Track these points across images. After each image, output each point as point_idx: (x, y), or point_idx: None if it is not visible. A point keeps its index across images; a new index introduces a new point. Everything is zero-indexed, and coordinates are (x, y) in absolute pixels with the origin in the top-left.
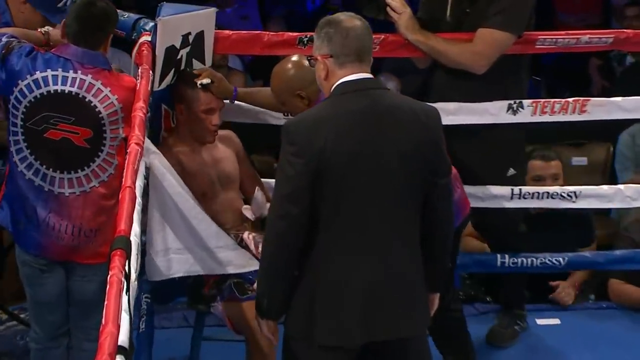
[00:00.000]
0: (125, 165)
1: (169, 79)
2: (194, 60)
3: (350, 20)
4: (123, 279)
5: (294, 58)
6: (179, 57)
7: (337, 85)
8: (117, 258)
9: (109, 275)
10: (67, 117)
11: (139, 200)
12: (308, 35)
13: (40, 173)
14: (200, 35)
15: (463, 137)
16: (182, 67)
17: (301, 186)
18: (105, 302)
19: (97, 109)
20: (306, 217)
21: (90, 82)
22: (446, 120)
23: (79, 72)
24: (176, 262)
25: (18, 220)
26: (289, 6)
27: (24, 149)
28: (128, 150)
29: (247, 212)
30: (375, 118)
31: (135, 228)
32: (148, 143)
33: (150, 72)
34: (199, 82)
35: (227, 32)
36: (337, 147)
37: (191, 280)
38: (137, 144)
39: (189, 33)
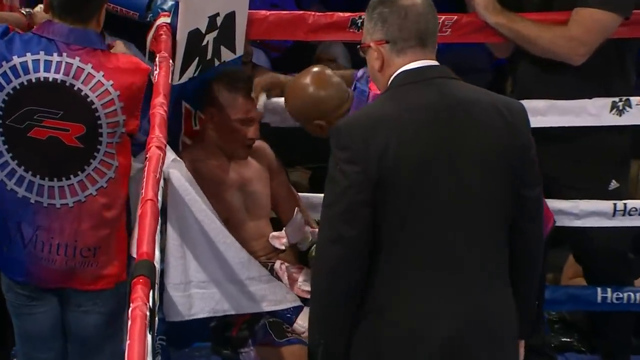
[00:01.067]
0: (145, 173)
1: (191, 70)
2: (222, 47)
3: None
4: (147, 313)
5: (316, 73)
6: (204, 43)
7: (396, 75)
8: (140, 287)
9: (130, 309)
10: (54, 112)
11: None
12: (363, 16)
13: (25, 181)
14: (230, 17)
15: (553, 141)
16: (208, 56)
17: (358, 201)
18: (128, 342)
19: (88, 99)
20: (366, 241)
21: (78, 67)
22: (534, 121)
23: (65, 54)
24: (199, 299)
25: (0, 241)
26: None
27: (3, 152)
28: (147, 155)
29: (275, 241)
30: (448, 114)
31: (156, 253)
32: (166, 148)
33: (170, 61)
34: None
35: (263, 12)
36: (402, 152)
37: (216, 319)
38: (158, 147)
39: (217, 14)
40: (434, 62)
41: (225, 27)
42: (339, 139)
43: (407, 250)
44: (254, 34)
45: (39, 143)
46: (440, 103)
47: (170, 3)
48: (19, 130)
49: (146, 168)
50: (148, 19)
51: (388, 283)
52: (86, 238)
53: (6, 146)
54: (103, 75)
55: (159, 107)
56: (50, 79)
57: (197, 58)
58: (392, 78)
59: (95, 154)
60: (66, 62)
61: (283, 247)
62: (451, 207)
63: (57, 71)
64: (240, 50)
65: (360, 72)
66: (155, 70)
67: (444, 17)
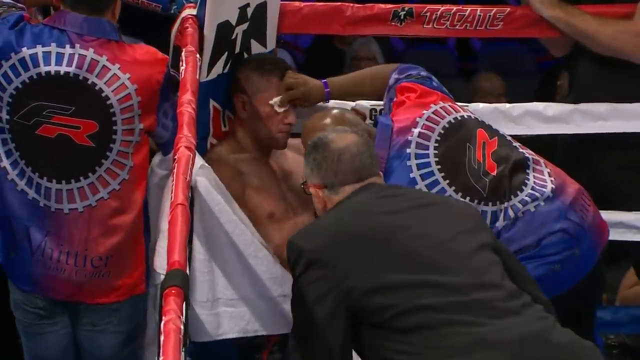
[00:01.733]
0: (174, 176)
1: (220, 65)
2: (252, 41)
3: (340, 138)
4: (182, 327)
5: (335, 118)
6: (233, 36)
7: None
8: (173, 299)
9: (162, 322)
10: (65, 107)
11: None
12: (406, 8)
13: (34, 183)
14: (261, 8)
15: (614, 148)
16: (237, 50)
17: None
18: (161, 358)
19: (103, 94)
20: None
21: (92, 59)
22: (594, 126)
23: (77, 45)
24: (227, 318)
25: (8, 246)
26: None
27: (12, 150)
28: (176, 157)
29: None
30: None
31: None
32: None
33: (197, 56)
34: (271, 102)
35: (296, 3)
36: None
37: (246, 341)
38: (187, 147)
39: (247, 5)
40: (370, 181)
41: (256, 19)
42: (300, 258)
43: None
44: (287, 27)
45: (47, 142)
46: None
47: None
48: (27, 127)
49: (175, 170)
50: (172, 11)
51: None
52: (97, 246)
53: (14, 144)
54: (119, 68)
55: (187, 105)
56: (62, 72)
57: (227, 52)
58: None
59: (108, 153)
60: (79, 54)
61: None
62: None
63: (69, 64)
64: (271, 44)
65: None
66: (182, 65)
67: (495, 9)
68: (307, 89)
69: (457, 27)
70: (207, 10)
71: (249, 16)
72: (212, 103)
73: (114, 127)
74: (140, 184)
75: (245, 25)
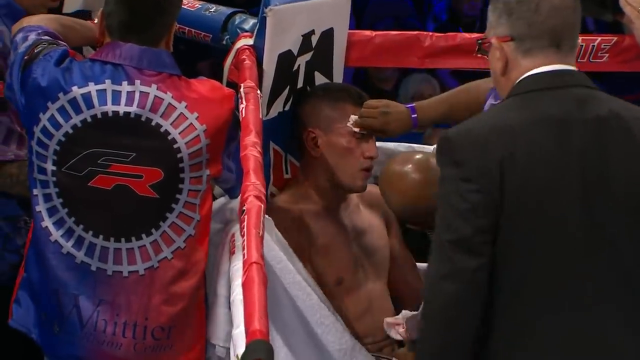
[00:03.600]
0: (245, 230)
1: (280, 103)
2: (316, 74)
3: None
4: None
5: (418, 165)
6: (295, 68)
7: (522, 80)
8: None
9: None
10: (125, 154)
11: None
12: None
13: (85, 243)
14: (328, 36)
15: None
16: (300, 84)
17: (478, 226)
18: None
19: (170, 137)
20: (486, 278)
21: (156, 96)
22: None
23: (137, 82)
24: None
25: (49, 321)
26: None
27: (58, 207)
28: (245, 208)
29: (391, 329)
30: (587, 131)
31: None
32: None
33: (258, 91)
34: (349, 123)
35: (367, 32)
36: (528, 171)
37: None
38: (256, 197)
39: (312, 32)
40: (572, 67)
41: (321, 48)
42: (451, 151)
43: (529, 292)
44: (356, 59)
45: (103, 194)
46: (577, 116)
47: (251, 22)
48: (78, 179)
49: (245, 224)
50: (224, 42)
51: (509, 333)
52: (159, 315)
53: (61, 200)
54: (186, 107)
55: (252, 148)
56: (121, 113)
57: (288, 87)
58: (516, 83)
59: (174, 205)
60: (140, 92)
61: (399, 337)
62: (592, 244)
63: (129, 103)
64: (338, 76)
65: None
66: (242, 103)
67: (599, 39)
68: (388, 115)
69: None
70: (267, 39)
71: (313, 45)
72: (272, 146)
73: (181, 175)
74: (204, 241)
75: (308, 56)
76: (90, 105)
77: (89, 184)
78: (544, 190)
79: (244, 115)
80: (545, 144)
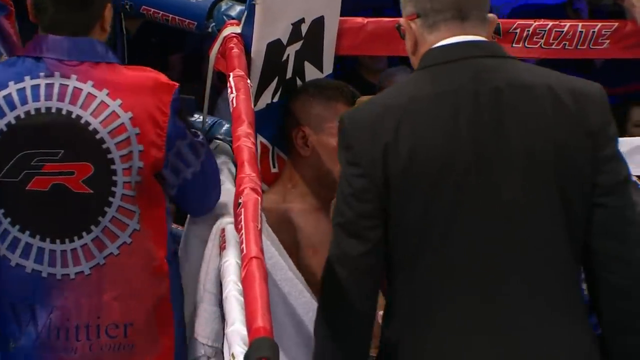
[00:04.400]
0: (243, 224)
1: (269, 94)
2: (306, 64)
3: None
4: None
5: None
6: (284, 58)
7: (424, 55)
8: None
9: None
10: (53, 152)
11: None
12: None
13: (33, 250)
14: (318, 25)
15: None
16: (289, 75)
17: (364, 211)
18: None
19: (90, 128)
20: (377, 263)
21: (75, 87)
22: None
23: (57, 74)
24: None
25: (4, 338)
26: None
27: (0, 219)
28: (241, 200)
29: None
30: (485, 103)
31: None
32: (232, 198)
33: (248, 80)
34: None
35: (359, 19)
36: (418, 149)
37: None
38: (253, 189)
39: (302, 20)
40: (477, 38)
41: (311, 37)
42: (342, 135)
43: (426, 275)
44: (347, 47)
45: (42, 196)
46: (473, 88)
47: (238, 9)
48: (15, 185)
49: (242, 217)
50: (210, 30)
51: (401, 325)
52: (111, 312)
53: (3, 210)
54: (107, 94)
55: (245, 139)
56: (43, 110)
57: (277, 78)
58: (420, 59)
59: (111, 199)
60: (60, 84)
61: None
62: (484, 222)
63: (48, 98)
64: (329, 67)
65: None
66: (232, 93)
67: (599, 24)
68: None
69: (553, 47)
70: (256, 28)
71: (303, 34)
72: (259, 139)
73: (112, 167)
74: (159, 235)
75: (298, 45)
76: (12, 106)
77: (26, 188)
78: (434, 169)
79: (234, 105)
80: (434, 120)
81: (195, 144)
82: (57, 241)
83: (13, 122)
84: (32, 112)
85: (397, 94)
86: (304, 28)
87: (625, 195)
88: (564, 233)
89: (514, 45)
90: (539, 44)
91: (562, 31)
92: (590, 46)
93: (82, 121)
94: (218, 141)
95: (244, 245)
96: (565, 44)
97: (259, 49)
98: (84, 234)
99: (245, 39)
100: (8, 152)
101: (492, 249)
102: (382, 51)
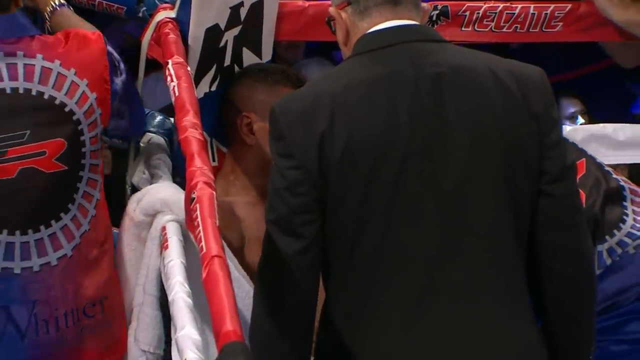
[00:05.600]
0: (199, 220)
1: (206, 83)
2: (244, 50)
3: None
4: None
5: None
6: (222, 44)
7: (358, 41)
8: None
9: None
10: (16, 134)
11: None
12: (439, 7)
13: (2, 246)
14: (257, 9)
15: None
16: (227, 62)
17: (298, 205)
18: None
19: (57, 101)
20: (314, 261)
21: (25, 64)
22: None
23: (1, 53)
24: None
25: None
26: None
27: None
28: (195, 195)
29: None
30: (423, 87)
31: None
32: (172, 193)
33: (188, 68)
34: None
35: (300, 2)
36: (354, 138)
37: None
38: (206, 183)
39: (241, 4)
40: (411, 22)
41: (250, 22)
42: (273, 125)
43: (364, 268)
44: (287, 33)
45: (9, 184)
46: (411, 72)
47: None
48: None
49: (198, 213)
50: (140, 15)
51: (341, 320)
52: (87, 289)
53: None
54: (61, 64)
55: (192, 130)
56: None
57: (215, 65)
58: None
59: (82, 173)
60: (8, 64)
61: None
62: (425, 211)
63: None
64: (268, 53)
65: None
66: (172, 81)
67: (552, 6)
68: None
69: (504, 30)
70: (193, 12)
71: (242, 18)
72: None
73: (82, 138)
74: (105, 203)
75: (237, 30)
76: None
77: None
78: (372, 158)
79: (177, 95)
80: (371, 107)
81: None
82: (29, 231)
83: None
84: None
85: (330, 81)
86: (243, 12)
87: (571, 181)
88: (510, 222)
89: (463, 28)
90: (490, 27)
91: (514, 13)
92: (543, 29)
93: (46, 96)
94: (151, 134)
95: (202, 243)
96: (517, 27)
97: (196, 34)
98: (62, 214)
99: (181, 24)
100: None
101: (434, 239)
102: (324, 36)
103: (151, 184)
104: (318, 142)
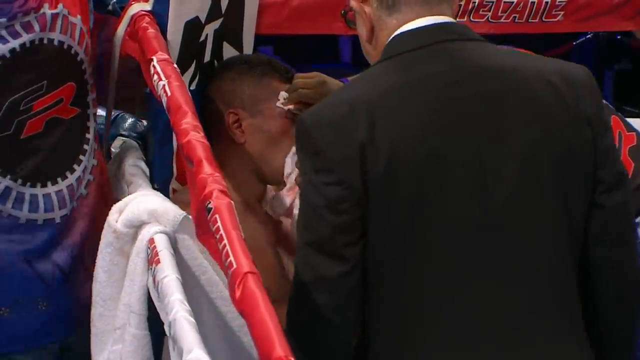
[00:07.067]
0: (222, 233)
1: (186, 80)
2: (225, 44)
3: None
4: None
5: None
6: (202, 38)
7: (389, 42)
8: None
9: None
10: (37, 87)
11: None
12: None
13: (25, 200)
14: (238, 0)
15: None
16: (207, 58)
17: (340, 225)
18: None
19: (64, 45)
20: (358, 283)
21: (36, 16)
22: None
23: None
24: None
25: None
26: None
27: None
28: (212, 205)
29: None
30: (468, 91)
31: None
32: (159, 203)
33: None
34: (278, 103)
35: None
36: (399, 149)
37: None
38: (222, 192)
39: None
40: (446, 19)
41: (231, 14)
42: (306, 138)
43: (410, 292)
44: (268, 26)
45: (37, 139)
46: (453, 76)
47: None
48: (9, 138)
49: (220, 225)
50: (110, 8)
51: (384, 343)
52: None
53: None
54: (63, 6)
55: (194, 133)
56: (17, 47)
57: (195, 61)
58: (385, 46)
59: (88, 111)
60: (22, 24)
61: None
62: (478, 229)
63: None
64: (249, 47)
65: None
66: (160, 80)
67: None
68: (326, 85)
69: (501, 20)
70: (172, 4)
71: (223, 10)
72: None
73: (85, 77)
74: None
75: (217, 23)
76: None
77: (21, 137)
78: (418, 170)
79: (169, 95)
80: (413, 114)
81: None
82: (49, 183)
83: None
84: (7, 55)
85: (365, 86)
86: (224, 4)
87: (624, 191)
88: (565, 239)
89: (457, 19)
90: (486, 17)
91: (512, 2)
92: (543, 19)
93: (56, 42)
94: (123, 138)
95: (231, 258)
96: (515, 17)
97: (175, 28)
98: (81, 157)
99: (158, 17)
100: None
101: (485, 260)
102: (308, 29)
103: (128, 192)
104: (359, 154)
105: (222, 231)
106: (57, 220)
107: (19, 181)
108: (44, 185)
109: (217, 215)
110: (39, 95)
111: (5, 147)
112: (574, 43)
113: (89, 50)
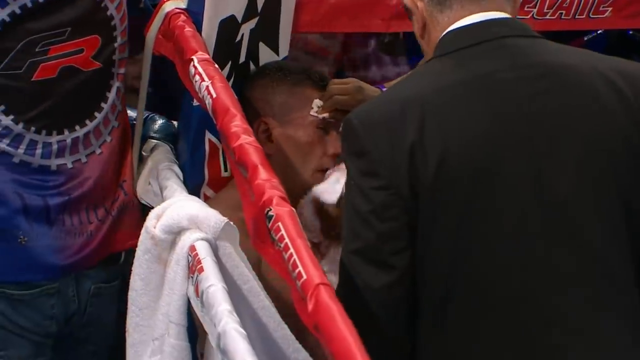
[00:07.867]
0: (288, 242)
1: None
2: (260, 45)
3: None
4: None
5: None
6: (238, 38)
7: (441, 39)
8: None
9: None
10: (58, 32)
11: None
12: None
13: (38, 146)
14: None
15: None
16: (242, 59)
17: (388, 233)
18: None
19: None
20: (407, 292)
21: None
22: None
23: None
24: None
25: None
26: None
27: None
28: (273, 213)
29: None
30: (527, 90)
31: None
32: (199, 208)
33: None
34: (312, 111)
35: None
36: (452, 150)
37: None
38: (282, 198)
39: None
40: (502, 15)
41: (267, 13)
42: (351, 140)
43: (464, 305)
44: (306, 24)
45: (49, 84)
46: (510, 74)
47: None
48: (18, 77)
49: (284, 233)
50: (142, 5)
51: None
52: (112, 185)
53: (4, 106)
54: None
55: (245, 136)
56: None
57: (230, 62)
58: (437, 44)
59: (113, 69)
60: None
61: None
62: (534, 237)
63: None
64: (284, 49)
65: None
66: (203, 81)
67: None
68: (363, 91)
69: (547, 17)
70: (208, 3)
71: (259, 9)
72: (207, 137)
73: (114, 34)
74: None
75: (253, 22)
76: None
77: (33, 79)
78: (471, 173)
79: (215, 96)
80: (467, 113)
81: None
82: (65, 131)
83: (17, 12)
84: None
85: (417, 84)
86: (260, 2)
87: None
88: (627, 244)
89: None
90: (531, 13)
91: None
92: (590, 15)
93: None
94: (154, 141)
95: (300, 268)
96: (562, 13)
97: (210, 28)
98: (96, 113)
99: (193, 15)
100: (8, 43)
101: (544, 269)
102: (347, 27)
103: (162, 197)
104: (408, 157)
105: (287, 240)
106: (53, 168)
107: (32, 129)
108: (48, 134)
109: (279, 223)
110: (59, 40)
111: (14, 86)
112: (585, 39)
113: (122, 8)
